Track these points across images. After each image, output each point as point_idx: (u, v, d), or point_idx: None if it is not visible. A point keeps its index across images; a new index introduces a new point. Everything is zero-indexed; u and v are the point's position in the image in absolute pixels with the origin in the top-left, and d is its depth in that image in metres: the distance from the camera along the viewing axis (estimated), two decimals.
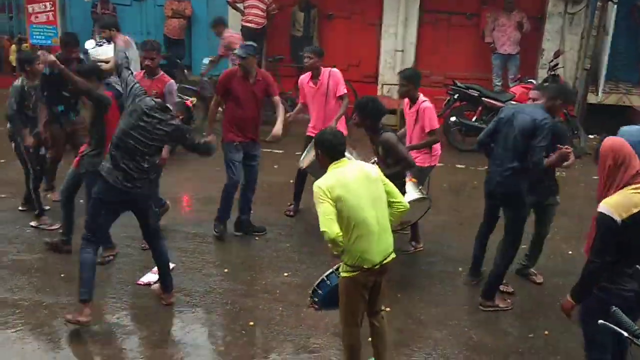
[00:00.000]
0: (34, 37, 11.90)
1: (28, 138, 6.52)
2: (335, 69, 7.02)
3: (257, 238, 6.79)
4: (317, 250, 6.35)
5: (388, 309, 5.48)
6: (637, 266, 3.68)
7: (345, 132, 6.75)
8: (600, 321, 3.37)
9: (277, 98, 6.67)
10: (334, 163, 4.23)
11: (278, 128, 6.56)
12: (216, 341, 5.12)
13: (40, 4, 11.77)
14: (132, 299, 5.60)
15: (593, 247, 3.85)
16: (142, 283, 5.71)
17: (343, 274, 4.22)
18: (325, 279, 4.49)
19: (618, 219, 3.66)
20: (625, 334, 3.21)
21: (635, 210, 3.66)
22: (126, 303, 5.54)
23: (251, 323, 5.30)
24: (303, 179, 7.16)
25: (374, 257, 4.14)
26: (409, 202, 5.16)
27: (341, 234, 4.02)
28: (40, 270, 5.96)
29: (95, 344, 5.01)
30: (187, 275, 5.98)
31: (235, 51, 6.51)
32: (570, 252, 6.65)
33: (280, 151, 9.16)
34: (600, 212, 3.73)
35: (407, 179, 5.60)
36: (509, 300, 5.68)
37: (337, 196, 4.04)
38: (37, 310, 5.34)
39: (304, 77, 7.06)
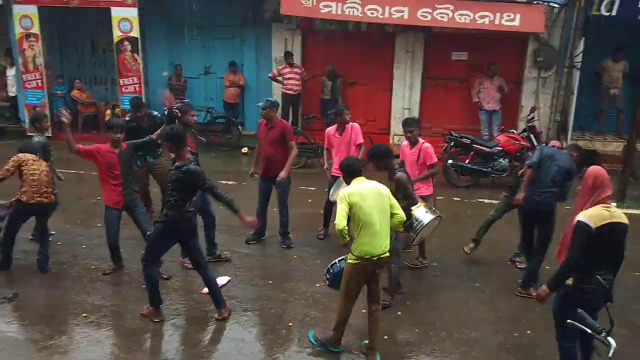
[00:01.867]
0: (124, 103, 12.24)
1: None
2: (356, 124, 7.09)
3: (295, 256, 6.80)
4: None
5: (399, 313, 5.46)
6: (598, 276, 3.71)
7: None
8: (569, 321, 3.32)
9: (292, 143, 6.74)
10: (354, 180, 4.58)
11: (285, 172, 6.64)
12: (263, 338, 5.10)
13: (129, 78, 12.14)
14: (196, 305, 5.64)
15: (571, 248, 3.86)
16: (205, 292, 5.73)
17: (349, 261, 4.55)
18: (337, 262, 4.85)
19: (593, 226, 3.73)
20: (589, 331, 3.15)
21: (604, 222, 3.74)
22: (192, 308, 5.59)
23: (290, 324, 5.28)
24: (330, 209, 7.16)
25: (374, 251, 4.46)
26: (430, 222, 5.47)
27: (347, 227, 4.37)
28: (127, 282, 6.06)
29: (168, 341, 5.05)
30: (240, 286, 6.01)
31: (258, 104, 6.72)
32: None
33: (313, 188, 9.20)
34: (579, 220, 3.80)
35: (416, 207, 5.47)
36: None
37: (353, 202, 4.42)
38: (123, 314, 5.42)
39: (331, 129, 7.09)
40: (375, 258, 4.47)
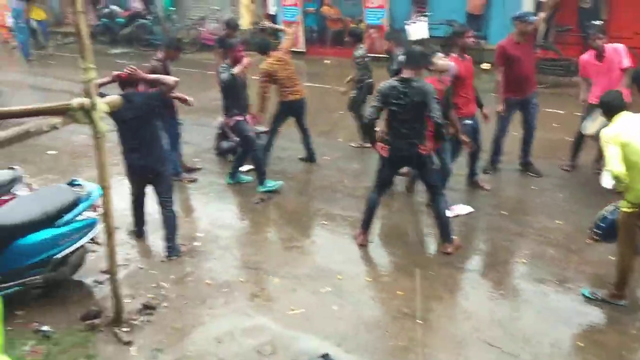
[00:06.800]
0: (368, 18, 12.21)
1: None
2: (619, 45, 5.87)
3: (533, 187, 6.15)
4: (590, 203, 5.48)
5: None
6: None
7: (629, 99, 5.69)
8: None
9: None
10: (616, 116, 3.94)
11: None
12: (491, 271, 4.74)
13: None
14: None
15: None
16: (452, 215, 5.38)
17: (623, 209, 3.95)
18: (607, 214, 4.20)
19: None
20: None
21: None
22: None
23: (524, 261, 4.85)
24: (581, 141, 6.23)
25: None
26: None
27: (625, 172, 3.75)
28: (359, 196, 6.04)
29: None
30: (471, 215, 5.65)
31: (529, 17, 5.99)
32: None
33: (561, 111, 8.12)
34: None
35: None
36: None
37: (623, 142, 3.79)
38: (356, 223, 5.38)
39: (587, 56, 5.99)
40: None
